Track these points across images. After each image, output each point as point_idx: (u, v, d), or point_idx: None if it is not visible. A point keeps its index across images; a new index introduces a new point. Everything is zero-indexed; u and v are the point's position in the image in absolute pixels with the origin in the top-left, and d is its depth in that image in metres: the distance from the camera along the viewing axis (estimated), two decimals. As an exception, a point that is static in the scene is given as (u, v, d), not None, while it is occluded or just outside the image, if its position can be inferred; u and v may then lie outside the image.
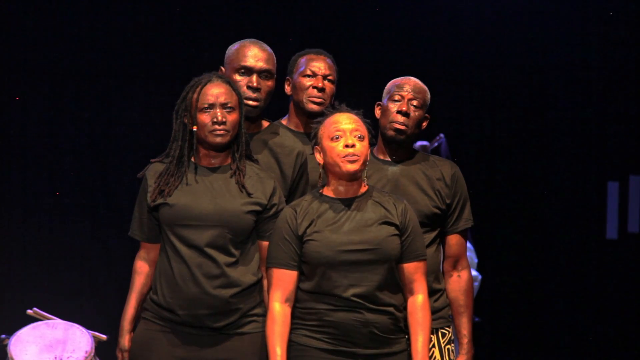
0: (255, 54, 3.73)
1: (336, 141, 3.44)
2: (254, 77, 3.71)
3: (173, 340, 3.48)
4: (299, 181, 3.77)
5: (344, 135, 3.44)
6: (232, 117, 3.49)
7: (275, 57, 3.79)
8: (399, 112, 3.76)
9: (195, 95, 3.50)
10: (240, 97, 3.55)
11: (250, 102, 3.69)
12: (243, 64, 3.72)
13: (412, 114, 3.77)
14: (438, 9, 6.91)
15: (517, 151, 7.04)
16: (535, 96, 7.03)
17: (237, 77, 3.71)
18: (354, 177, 3.47)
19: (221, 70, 3.77)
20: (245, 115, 3.65)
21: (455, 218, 3.82)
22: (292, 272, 3.45)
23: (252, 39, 3.80)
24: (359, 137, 3.45)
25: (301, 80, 3.92)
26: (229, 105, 3.49)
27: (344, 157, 3.42)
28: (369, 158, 3.49)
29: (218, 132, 3.47)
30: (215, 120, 3.46)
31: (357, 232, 3.43)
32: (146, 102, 6.49)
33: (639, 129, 7.03)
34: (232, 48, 3.78)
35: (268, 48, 3.78)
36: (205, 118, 3.48)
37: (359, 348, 3.41)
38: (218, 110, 3.48)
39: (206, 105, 3.48)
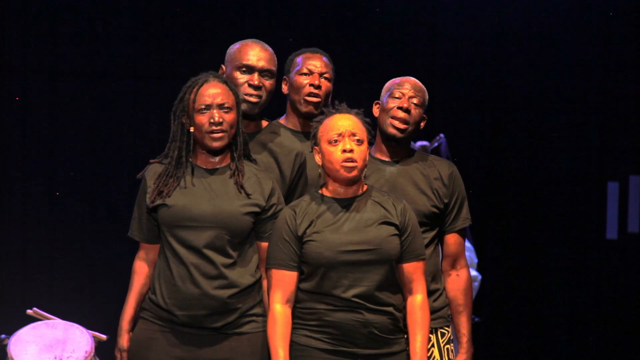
0: (257, 53, 3.74)
1: (334, 145, 3.44)
2: (256, 76, 3.72)
3: (172, 340, 3.48)
4: (298, 181, 3.77)
5: (342, 139, 3.44)
6: (229, 118, 3.49)
7: (276, 58, 3.80)
8: (399, 108, 3.76)
9: (192, 96, 3.50)
10: (237, 96, 3.54)
11: (251, 100, 3.70)
12: (245, 62, 3.73)
13: (412, 111, 3.77)
14: (438, 8, 6.91)
15: (517, 151, 7.04)
16: (535, 96, 7.03)
17: (239, 75, 3.72)
18: (351, 182, 3.47)
19: (222, 69, 3.78)
20: (245, 113, 3.66)
21: (453, 217, 3.83)
22: (292, 272, 3.45)
23: (254, 39, 3.81)
24: (358, 141, 3.44)
25: (298, 79, 3.92)
26: (226, 105, 3.49)
27: (342, 162, 3.42)
28: (367, 160, 3.49)
29: (215, 136, 3.47)
30: (212, 121, 3.46)
31: (357, 232, 3.43)
32: (146, 102, 6.49)
33: (639, 129, 7.03)
34: (234, 47, 3.79)
35: (270, 48, 3.79)
36: (202, 119, 3.48)
37: (359, 348, 3.41)
38: (215, 111, 3.48)
39: (203, 107, 3.48)
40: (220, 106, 3.49)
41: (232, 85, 3.56)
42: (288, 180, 3.74)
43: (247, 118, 3.72)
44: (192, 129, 3.51)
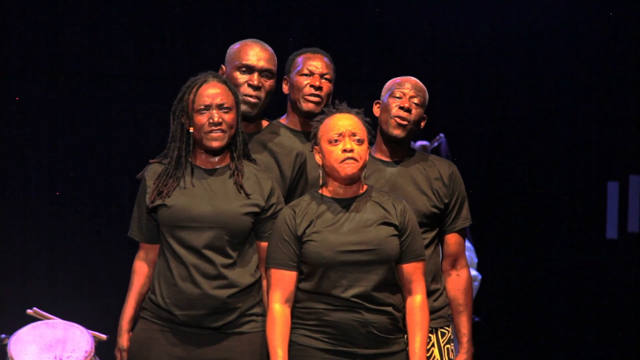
0: (257, 53, 3.74)
1: (335, 145, 3.44)
2: (255, 76, 3.72)
3: (172, 339, 3.48)
4: (298, 181, 3.77)
5: (343, 139, 3.44)
6: (228, 118, 3.49)
7: (276, 58, 3.79)
8: (401, 107, 3.76)
9: (191, 96, 3.50)
10: (236, 96, 3.54)
11: (251, 100, 3.70)
12: (245, 62, 3.72)
13: (413, 111, 3.77)
14: (438, 8, 6.91)
15: (517, 151, 7.04)
16: (536, 96, 7.03)
17: (238, 74, 3.72)
18: (352, 181, 3.47)
19: (222, 69, 3.78)
20: (245, 114, 3.66)
21: (454, 217, 3.83)
22: (292, 272, 3.45)
23: (254, 39, 3.81)
24: (358, 141, 3.44)
25: (298, 79, 3.92)
26: (225, 105, 3.49)
27: (341, 161, 3.42)
28: (367, 160, 3.49)
29: (214, 136, 3.47)
30: (211, 121, 3.46)
31: (357, 232, 3.43)
32: (146, 102, 6.49)
33: (639, 129, 7.02)
34: (234, 47, 3.78)
35: (270, 48, 3.79)
36: (201, 119, 3.48)
37: (358, 348, 3.41)
38: (214, 111, 3.47)
39: (202, 107, 3.48)
40: (220, 106, 3.48)
41: (231, 85, 3.56)
42: (288, 181, 3.74)
43: (247, 119, 3.72)
44: (191, 129, 3.51)
